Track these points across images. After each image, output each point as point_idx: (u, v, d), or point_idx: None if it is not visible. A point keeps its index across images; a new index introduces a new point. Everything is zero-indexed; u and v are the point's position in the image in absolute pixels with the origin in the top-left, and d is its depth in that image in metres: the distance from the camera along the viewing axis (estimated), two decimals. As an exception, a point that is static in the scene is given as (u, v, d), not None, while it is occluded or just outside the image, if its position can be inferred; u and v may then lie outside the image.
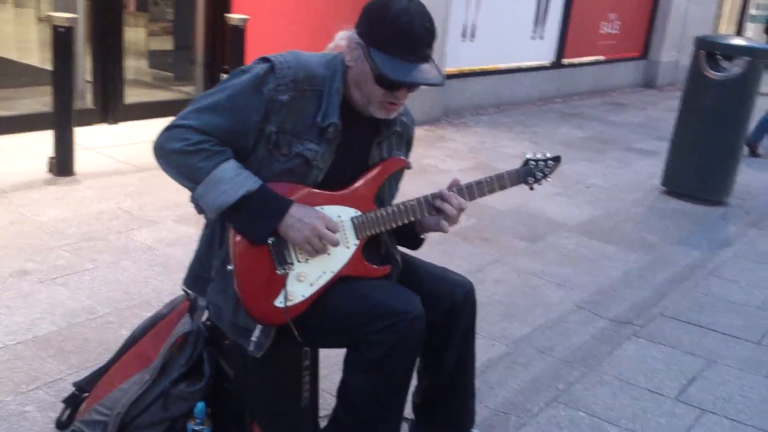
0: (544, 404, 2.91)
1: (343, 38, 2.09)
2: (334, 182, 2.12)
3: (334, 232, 2.04)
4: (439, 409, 2.43)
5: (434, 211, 2.21)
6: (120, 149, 5.52)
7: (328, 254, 2.08)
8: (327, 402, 2.60)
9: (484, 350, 3.16)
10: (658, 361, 3.31)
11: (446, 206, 2.18)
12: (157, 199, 4.50)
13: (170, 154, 2.00)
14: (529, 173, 2.31)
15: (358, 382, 2.10)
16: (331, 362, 2.87)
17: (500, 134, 7.46)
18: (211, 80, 6.95)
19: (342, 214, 2.11)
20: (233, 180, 1.98)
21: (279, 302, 2.05)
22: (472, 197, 2.23)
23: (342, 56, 2.08)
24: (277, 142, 2.04)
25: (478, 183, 2.24)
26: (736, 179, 5.86)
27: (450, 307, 2.26)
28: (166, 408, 2.25)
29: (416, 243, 2.36)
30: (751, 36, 15.61)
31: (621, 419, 2.85)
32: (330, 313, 2.09)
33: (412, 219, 2.20)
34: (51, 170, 4.78)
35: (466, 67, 8.50)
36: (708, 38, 6.03)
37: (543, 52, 9.87)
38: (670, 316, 3.75)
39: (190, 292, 2.43)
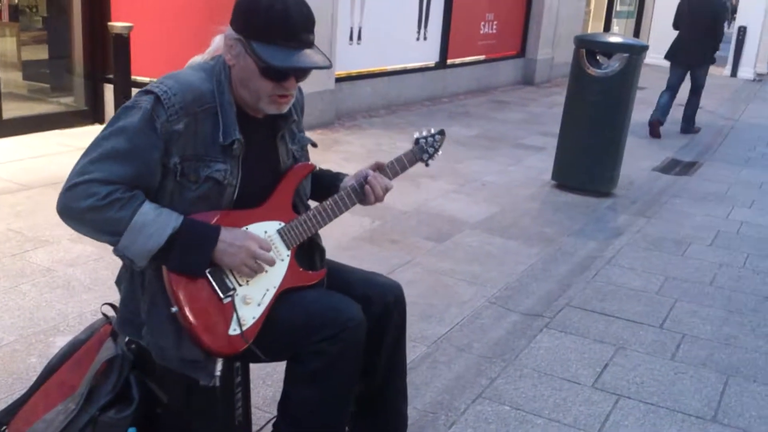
0: (470, 401, 2.96)
1: (216, 44, 2.06)
2: (251, 192, 2.08)
3: (266, 250, 2.01)
4: (374, 416, 2.43)
5: (361, 197, 2.26)
6: (2, 167, 5.22)
7: (266, 272, 2.05)
8: (257, 417, 2.55)
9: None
10: (571, 350, 3.43)
11: (377, 189, 2.25)
12: (49, 217, 4.28)
13: (82, 213, 1.86)
14: (422, 150, 2.47)
15: (300, 394, 2.07)
16: (255, 375, 2.83)
17: (394, 135, 7.53)
18: (93, 90, 6.70)
19: (268, 229, 2.09)
20: (156, 221, 1.88)
21: (233, 330, 1.99)
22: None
23: (221, 60, 2.03)
24: (183, 171, 1.95)
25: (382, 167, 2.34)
26: (620, 170, 6.14)
27: (381, 311, 2.26)
28: (95, 437, 2.15)
29: None
30: (617, 30, 16.43)
31: (544, 410, 2.94)
32: (272, 329, 2.05)
33: (337, 216, 2.21)
34: (-71, 193, 4.48)
35: (354, 70, 8.55)
36: (587, 37, 6.30)
37: (427, 53, 10.04)
38: (577, 306, 3.90)
39: (109, 315, 2.33)
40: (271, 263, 2.01)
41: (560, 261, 4.55)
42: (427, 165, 2.52)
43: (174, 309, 1.95)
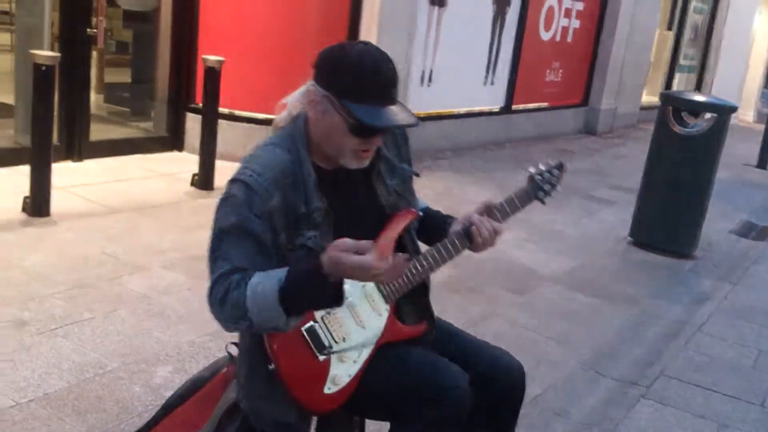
0: (576, 471, 2.89)
1: (297, 99, 2.03)
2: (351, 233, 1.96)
3: (361, 252, 1.76)
4: None
5: (466, 243, 2.13)
6: (90, 189, 5.31)
7: (363, 328, 2.02)
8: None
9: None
10: (673, 425, 3.33)
11: (483, 231, 2.12)
12: (139, 243, 4.32)
13: (215, 313, 1.91)
14: (537, 187, 2.26)
15: None
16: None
17: (463, 179, 7.50)
18: (176, 117, 6.78)
19: (366, 283, 2.01)
20: (264, 283, 1.82)
21: (328, 388, 1.98)
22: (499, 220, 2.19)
23: (299, 124, 2.01)
24: (283, 240, 1.95)
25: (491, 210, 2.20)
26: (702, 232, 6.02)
27: (505, 389, 2.19)
28: (217, 477, 2.13)
29: None
30: (678, 84, 16.28)
31: (652, 486, 2.85)
32: (375, 388, 2.03)
33: (440, 264, 2.11)
34: (25, 210, 4.54)
35: (423, 112, 8.56)
36: (674, 94, 6.25)
37: (494, 98, 10.04)
38: (672, 377, 3.79)
39: (233, 354, 2.32)
40: (370, 263, 1.75)
41: (648, 325, 4.46)
42: (543, 203, 2.30)
43: (271, 366, 1.95)
